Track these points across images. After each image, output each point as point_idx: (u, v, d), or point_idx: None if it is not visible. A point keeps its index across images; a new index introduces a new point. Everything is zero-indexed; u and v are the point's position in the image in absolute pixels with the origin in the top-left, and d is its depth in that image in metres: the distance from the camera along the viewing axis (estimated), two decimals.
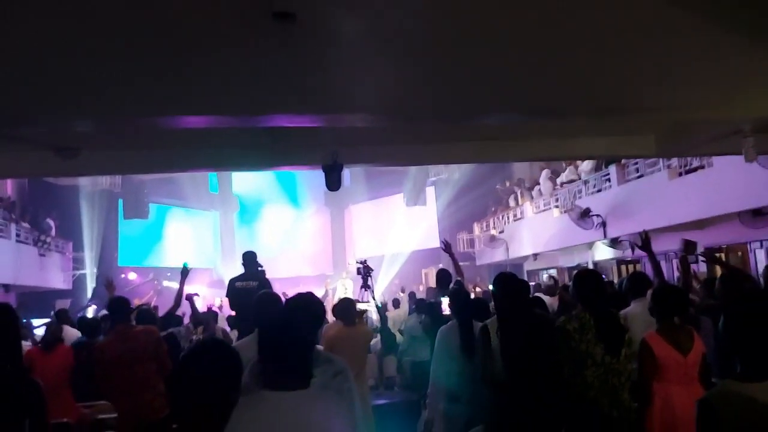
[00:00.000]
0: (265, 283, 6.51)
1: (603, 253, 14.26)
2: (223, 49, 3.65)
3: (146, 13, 3.56)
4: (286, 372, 2.07)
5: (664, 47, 3.92)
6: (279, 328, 2.17)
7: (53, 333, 5.79)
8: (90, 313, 13.47)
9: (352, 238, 24.01)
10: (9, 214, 15.01)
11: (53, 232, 17.06)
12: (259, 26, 3.35)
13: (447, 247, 6.46)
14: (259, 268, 7.10)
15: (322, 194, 21.58)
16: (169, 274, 19.81)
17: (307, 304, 2.85)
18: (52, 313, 10.33)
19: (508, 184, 18.94)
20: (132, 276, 18.75)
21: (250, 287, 6.33)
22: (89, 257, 18.51)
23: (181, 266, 6.71)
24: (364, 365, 5.77)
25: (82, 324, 6.97)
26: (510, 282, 4.23)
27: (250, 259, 7.05)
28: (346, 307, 5.82)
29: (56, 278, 16.70)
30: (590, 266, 14.64)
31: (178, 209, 22.29)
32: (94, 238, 18.81)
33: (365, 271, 7.94)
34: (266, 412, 1.99)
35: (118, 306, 5.15)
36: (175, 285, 18.36)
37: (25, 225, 15.59)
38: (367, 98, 3.79)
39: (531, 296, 5.28)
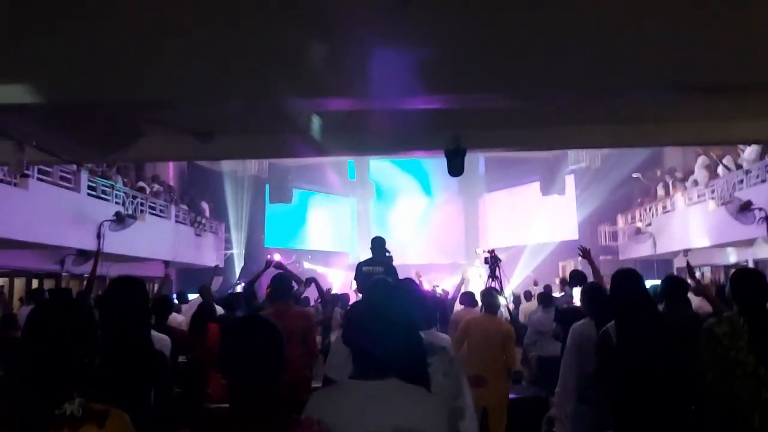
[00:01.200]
0: (391, 269, 6.55)
1: (765, 251, 12.79)
2: (356, 32, 3.67)
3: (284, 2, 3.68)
4: (366, 360, 2.00)
5: None
6: (364, 315, 2.12)
7: (198, 320, 6.05)
8: (238, 290, 14.47)
9: (486, 227, 23.64)
10: (170, 196, 16.52)
11: (207, 214, 18.52)
12: (380, 8, 3.33)
13: (585, 253, 6.06)
14: (387, 254, 7.18)
15: (455, 182, 21.45)
16: (310, 256, 20.81)
17: (402, 292, 2.77)
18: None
19: (659, 173, 17.58)
20: (277, 257, 19.81)
21: (376, 272, 6.41)
22: (238, 238, 19.87)
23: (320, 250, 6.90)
24: (500, 358, 5.64)
25: (221, 301, 7.43)
26: (627, 280, 3.88)
27: (378, 244, 7.14)
28: (488, 296, 6.03)
29: (210, 256, 18.11)
30: (750, 265, 13.22)
31: (319, 195, 23.27)
32: (243, 220, 20.16)
33: (493, 261, 7.74)
34: (343, 399, 1.96)
35: (279, 284, 5.27)
36: (315, 267, 19.14)
37: (184, 207, 17.08)
38: (491, 74, 3.62)
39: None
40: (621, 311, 3.78)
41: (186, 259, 16.35)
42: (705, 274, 15.57)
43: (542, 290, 9.58)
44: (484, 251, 8.56)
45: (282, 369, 1.84)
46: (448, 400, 2.67)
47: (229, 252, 19.75)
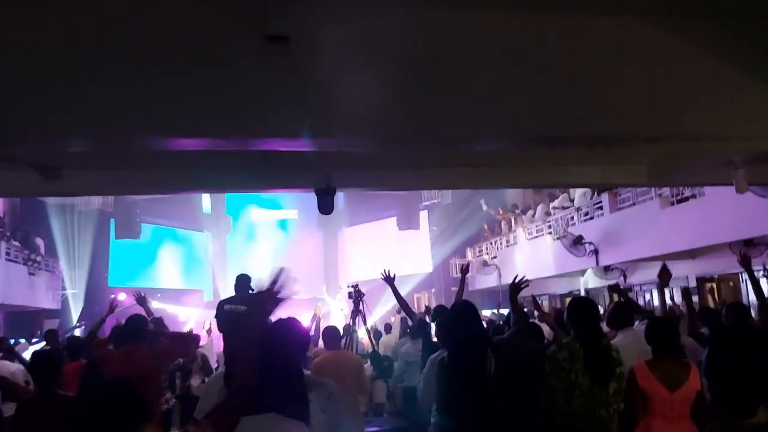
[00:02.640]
0: None
1: (595, 280, 14.25)
2: (217, 71, 3.65)
3: (139, 34, 3.57)
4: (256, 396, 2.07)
5: (656, 77, 3.95)
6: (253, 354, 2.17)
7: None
8: (78, 333, 13.29)
9: (345, 261, 23.89)
10: (0, 232, 14.90)
11: (42, 251, 16.92)
12: (251, 49, 3.36)
13: (465, 270, 6.40)
14: (251, 291, 7.04)
15: (315, 217, 21.51)
16: (159, 294, 19.63)
17: (289, 330, 2.81)
18: (39, 333, 10.16)
19: (501, 212, 18.93)
20: (122, 296, 18.50)
21: (238, 311, 6.27)
22: (72, 277, 18.28)
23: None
24: (354, 392, 5.70)
25: (64, 346, 6.84)
26: (458, 314, 4.21)
27: (242, 282, 6.99)
28: (330, 333, 6.03)
29: (45, 298, 16.50)
30: (582, 293, 14.61)
31: (170, 230, 22.17)
32: (85, 258, 18.65)
33: (357, 296, 7.87)
34: None
35: (133, 325, 5.13)
36: (166, 306, 18.14)
37: (16, 243, 15.46)
38: (360, 122, 3.78)
39: (525, 323, 5.22)
40: (450, 342, 4.05)
41: (18, 301, 14.75)
42: (544, 303, 16.94)
43: (404, 322, 9.84)
44: (348, 286, 8.68)
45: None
46: None
47: (66, 292, 18.10)
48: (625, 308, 5.30)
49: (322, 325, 8.42)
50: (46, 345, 7.29)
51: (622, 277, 12.78)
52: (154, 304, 18.13)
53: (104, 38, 3.55)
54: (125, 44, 3.57)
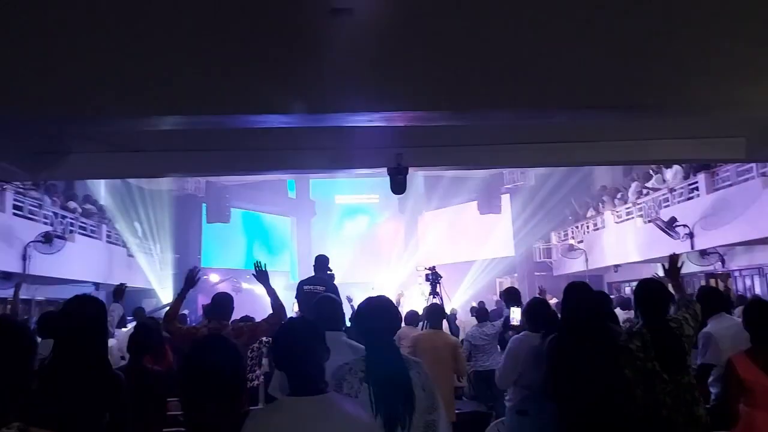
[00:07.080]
0: (332, 288, 6.50)
1: (690, 265, 13.44)
2: (290, 48, 3.66)
3: (214, 15, 3.64)
4: (299, 378, 2.07)
5: (756, 38, 3.61)
6: (293, 336, 2.17)
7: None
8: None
9: (426, 245, 23.86)
10: (102, 216, 15.93)
11: (139, 234, 17.94)
12: (319, 24, 3.35)
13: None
14: (329, 272, 7.12)
15: (396, 201, 21.59)
16: (248, 276, 20.33)
17: (326, 311, 2.81)
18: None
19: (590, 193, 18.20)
20: (214, 278, 19.37)
21: (317, 291, 6.34)
22: (166, 259, 19.20)
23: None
24: (449, 372, 5.72)
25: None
26: (576, 293, 4.00)
27: (320, 263, 7.08)
28: (432, 312, 6.11)
29: (143, 278, 17.50)
30: None
31: (258, 214, 22.94)
32: (178, 241, 19.60)
33: (434, 278, 7.82)
34: (284, 417, 2.00)
35: (219, 303, 5.23)
36: (254, 287, 18.73)
37: (116, 227, 16.48)
38: (430, 94, 3.69)
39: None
40: (565, 324, 3.84)
41: (118, 281, 15.69)
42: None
43: (481, 306, 9.72)
44: (425, 268, 8.64)
45: (242, 389, 1.82)
46: (423, 413, 2.67)
47: (163, 272, 19.10)
48: (717, 293, 4.95)
49: (402, 309, 8.44)
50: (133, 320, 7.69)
51: (719, 262, 12.00)
52: (244, 285, 18.96)
53: (184, 20, 3.64)
54: (208, 24, 3.63)
